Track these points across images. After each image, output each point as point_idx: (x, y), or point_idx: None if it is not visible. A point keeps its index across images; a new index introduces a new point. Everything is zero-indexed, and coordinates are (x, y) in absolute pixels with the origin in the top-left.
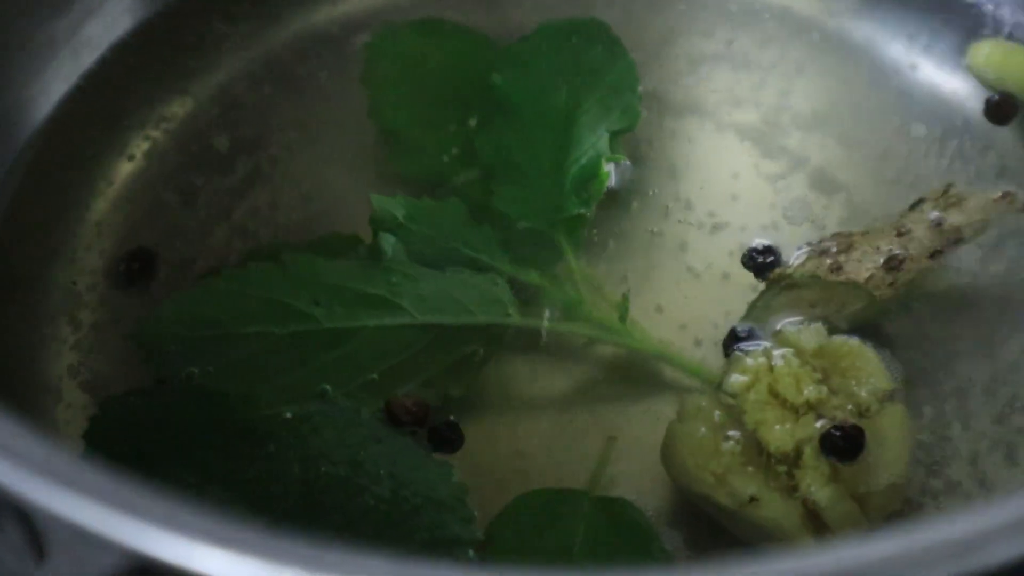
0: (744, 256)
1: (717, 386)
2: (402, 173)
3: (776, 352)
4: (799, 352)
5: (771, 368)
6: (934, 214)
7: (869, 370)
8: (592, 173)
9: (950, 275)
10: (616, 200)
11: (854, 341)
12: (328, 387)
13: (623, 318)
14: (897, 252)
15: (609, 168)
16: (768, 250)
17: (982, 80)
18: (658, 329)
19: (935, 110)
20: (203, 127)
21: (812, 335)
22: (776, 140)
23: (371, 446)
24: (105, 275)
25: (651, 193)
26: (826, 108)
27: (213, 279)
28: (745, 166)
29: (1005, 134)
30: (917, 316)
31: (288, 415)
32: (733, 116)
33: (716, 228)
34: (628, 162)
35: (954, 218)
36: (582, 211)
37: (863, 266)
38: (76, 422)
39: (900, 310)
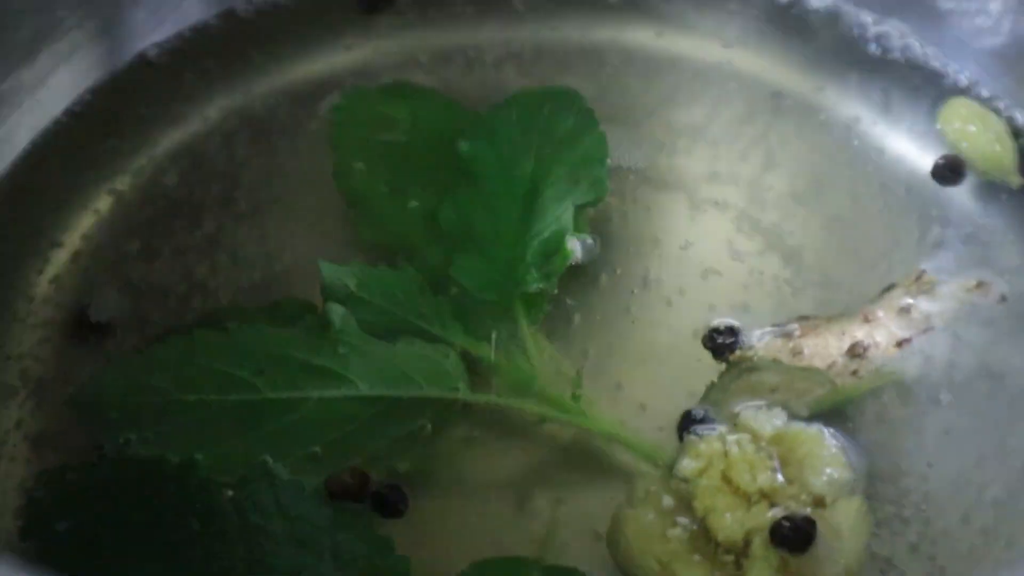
0: (705, 336)
1: (669, 470)
2: (364, 239)
3: (731, 437)
4: (756, 438)
5: (726, 453)
6: (905, 300)
7: (827, 460)
8: (555, 247)
9: (920, 363)
10: (583, 274)
11: (813, 429)
12: (269, 459)
13: (576, 397)
14: (861, 339)
15: (573, 244)
16: (730, 330)
17: (950, 141)
18: (616, 408)
19: (918, 189)
20: (170, 182)
21: (770, 420)
22: (753, 217)
23: (313, 521)
24: (60, 330)
25: (618, 270)
26: (806, 186)
27: (157, 346)
28: (719, 243)
29: (994, 220)
30: (884, 404)
31: (229, 493)
32: (711, 191)
33: (684, 306)
34: (591, 240)
35: (925, 305)
36: (542, 286)
37: (826, 352)
38: (17, 475)
39: (865, 397)
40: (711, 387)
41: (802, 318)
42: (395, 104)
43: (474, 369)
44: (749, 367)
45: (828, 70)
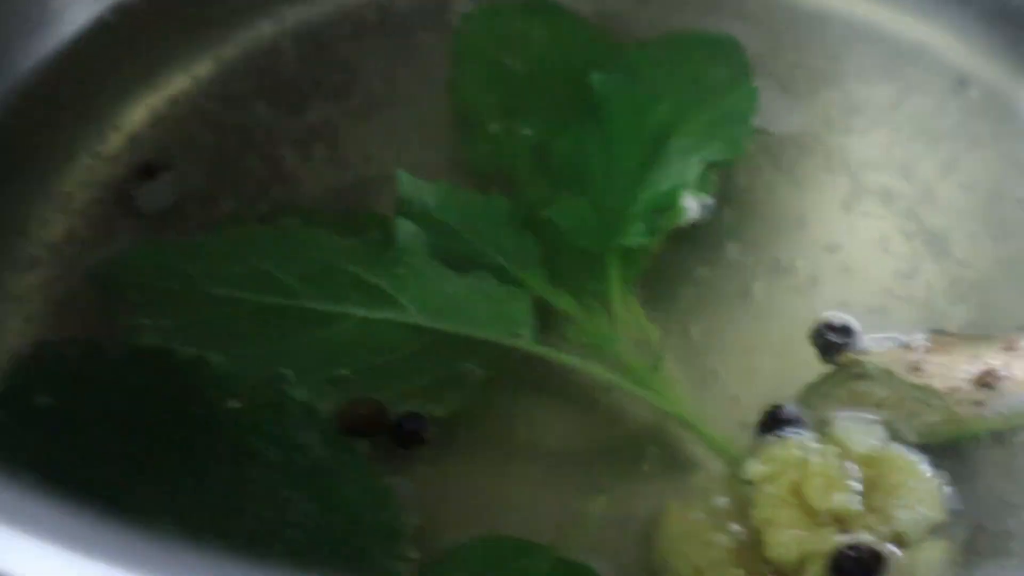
0: (814, 329)
1: (736, 469)
2: (469, 160)
3: (815, 446)
4: (844, 453)
5: (804, 462)
6: None
7: (921, 495)
8: (669, 203)
9: None
10: (708, 242)
11: (912, 456)
12: (289, 373)
13: (655, 368)
14: (996, 368)
15: (689, 202)
16: (845, 329)
17: None
18: (706, 396)
19: None
20: (287, 59)
21: (865, 437)
22: (918, 218)
23: (312, 455)
24: (116, 189)
25: (750, 245)
26: (988, 196)
27: (202, 235)
28: (872, 238)
29: None
30: (1014, 452)
31: (235, 404)
32: (878, 180)
33: (814, 299)
34: (711, 201)
35: None
36: (644, 241)
37: (951, 374)
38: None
39: (992, 440)
40: (811, 387)
41: (936, 332)
42: (533, 23)
43: (549, 321)
44: (858, 373)
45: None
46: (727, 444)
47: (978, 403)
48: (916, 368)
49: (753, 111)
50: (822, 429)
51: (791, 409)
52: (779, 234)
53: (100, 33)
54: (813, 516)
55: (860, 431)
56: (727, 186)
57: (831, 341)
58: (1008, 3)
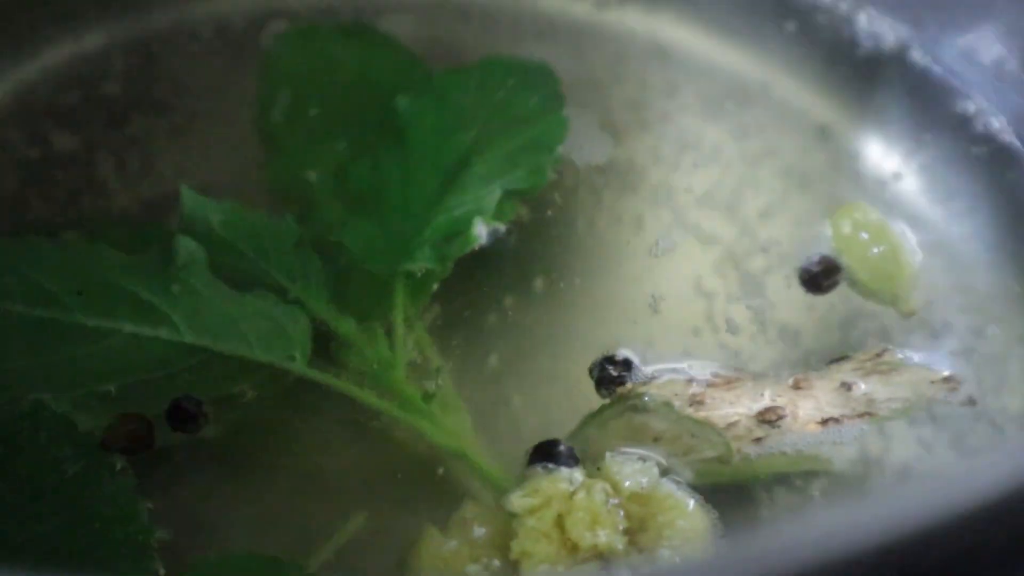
0: (595, 363)
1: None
2: (268, 179)
3: (583, 480)
4: (615, 489)
5: (569, 497)
6: (849, 376)
7: (689, 535)
8: (461, 229)
9: (852, 453)
10: (516, 274)
11: (681, 495)
12: (51, 385)
13: (427, 397)
14: (780, 405)
15: (480, 229)
16: (625, 363)
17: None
18: (495, 425)
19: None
20: (114, 72)
21: (636, 474)
22: (735, 259)
23: (65, 467)
24: None
25: (560, 280)
26: (807, 239)
27: None
28: (685, 275)
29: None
30: (798, 492)
31: None
32: (699, 218)
33: (623, 338)
34: (504, 229)
35: (872, 387)
36: (431, 267)
37: (732, 409)
38: None
39: (773, 480)
40: (587, 419)
41: (724, 368)
42: (345, 45)
43: (328, 345)
44: (635, 406)
45: (877, 111)
46: (498, 475)
47: (757, 439)
48: (697, 402)
49: (561, 140)
50: (595, 464)
51: (564, 445)
52: (591, 268)
53: None
54: (575, 552)
55: (632, 468)
56: (542, 217)
57: (609, 374)
58: (848, 48)
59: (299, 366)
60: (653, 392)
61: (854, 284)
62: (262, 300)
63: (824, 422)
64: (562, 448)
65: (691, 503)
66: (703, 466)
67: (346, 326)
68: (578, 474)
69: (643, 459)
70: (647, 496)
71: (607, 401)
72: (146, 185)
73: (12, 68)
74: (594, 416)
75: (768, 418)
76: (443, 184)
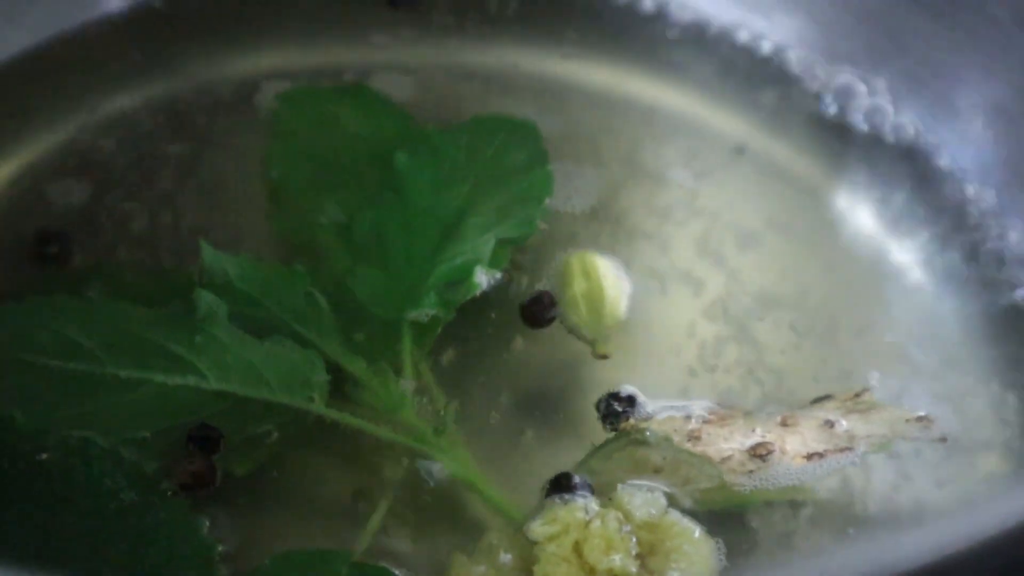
0: (601, 399)
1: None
2: (276, 230)
3: (598, 510)
4: (626, 517)
5: (585, 525)
6: (833, 415)
7: (695, 559)
8: (463, 276)
9: (834, 483)
10: (514, 317)
11: (687, 523)
12: (95, 436)
13: (438, 432)
14: (769, 441)
15: (480, 277)
16: (630, 399)
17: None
18: (502, 460)
19: (911, 307)
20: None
21: (645, 504)
22: (725, 305)
23: (121, 496)
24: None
25: (557, 321)
26: (797, 289)
27: (14, 304)
28: (681, 319)
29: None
30: (787, 519)
31: (43, 456)
32: (693, 267)
33: (621, 379)
34: (499, 275)
35: (852, 425)
36: (436, 312)
37: (726, 444)
38: None
39: (764, 507)
40: (592, 452)
41: (718, 406)
42: (344, 105)
43: (343, 386)
44: (637, 440)
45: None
46: (509, 505)
47: (750, 472)
48: (695, 437)
49: (548, 193)
50: (606, 495)
51: (578, 477)
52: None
53: None
54: (592, 575)
55: (641, 498)
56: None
57: (615, 410)
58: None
59: (318, 406)
60: (654, 428)
61: (564, 319)
62: (279, 346)
63: (809, 456)
64: (577, 480)
65: (696, 530)
66: (701, 494)
67: (358, 367)
68: (593, 504)
69: (651, 490)
70: (656, 524)
71: (611, 435)
72: (166, 237)
73: (61, 124)
74: (599, 448)
75: (759, 452)
76: (442, 235)
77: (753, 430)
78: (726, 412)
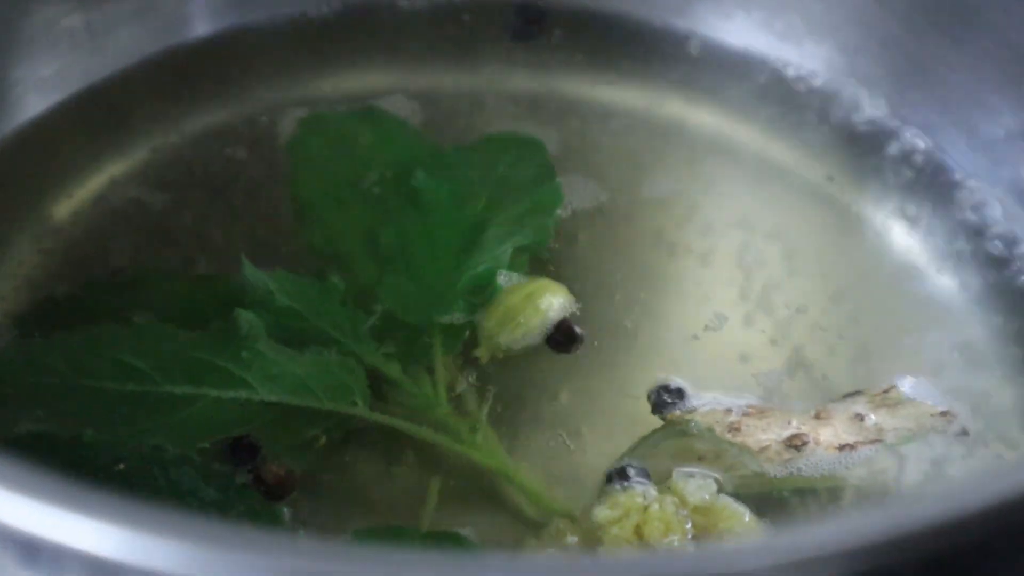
0: (652, 390)
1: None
2: (308, 244)
3: (656, 495)
4: (681, 502)
5: (645, 509)
6: (863, 409)
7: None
8: (486, 281)
9: (866, 472)
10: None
11: (738, 507)
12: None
13: (474, 429)
14: (804, 432)
15: (503, 279)
16: (679, 391)
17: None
18: (539, 455)
19: (937, 311)
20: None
21: (699, 490)
22: (769, 306)
23: (202, 494)
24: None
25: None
26: (830, 293)
27: (66, 335)
28: (724, 324)
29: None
30: (822, 503)
31: (120, 467)
32: (730, 272)
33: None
34: (519, 277)
35: (881, 418)
36: (464, 316)
37: (764, 435)
38: None
39: (799, 493)
40: (641, 440)
41: (756, 400)
42: (362, 127)
43: (382, 389)
44: (682, 430)
45: (845, 160)
46: (548, 499)
47: (786, 461)
48: (735, 428)
49: (558, 204)
50: (662, 482)
51: (634, 468)
52: (622, 308)
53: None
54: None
55: (695, 484)
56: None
57: (665, 400)
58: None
59: (362, 410)
60: (698, 419)
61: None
62: (319, 355)
63: (841, 447)
64: (635, 469)
65: (747, 513)
66: (740, 480)
67: (394, 371)
68: (651, 490)
69: (704, 477)
70: (709, 508)
71: (657, 423)
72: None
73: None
74: (647, 438)
75: (794, 443)
76: (463, 245)
77: (789, 422)
78: (764, 406)
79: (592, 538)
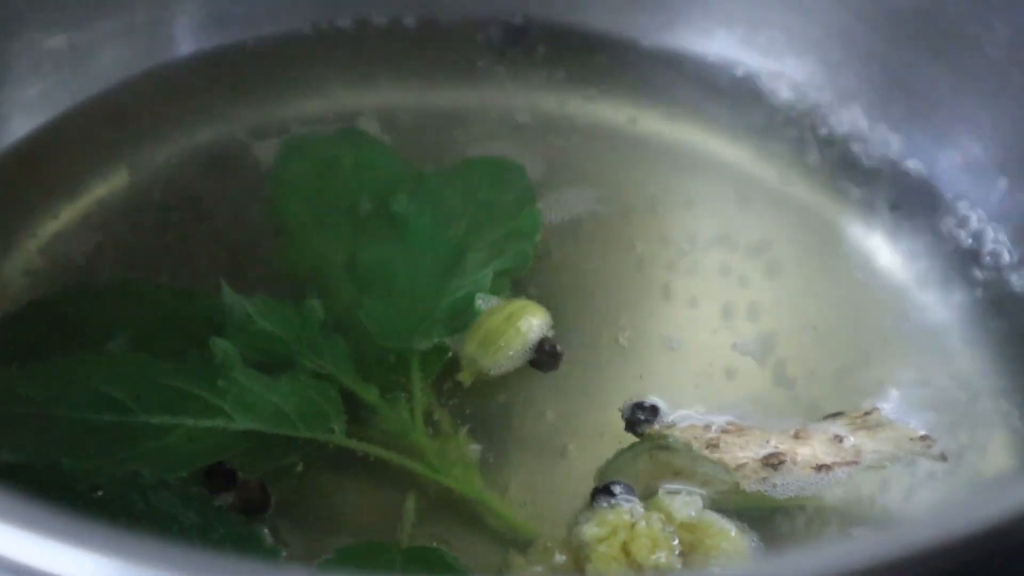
0: (626, 407)
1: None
2: (288, 266)
3: (642, 512)
4: (668, 519)
5: (632, 526)
6: (841, 430)
7: (731, 555)
8: (466, 306)
9: (843, 493)
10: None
11: (725, 523)
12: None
13: (450, 455)
14: (782, 451)
15: (481, 304)
16: (653, 409)
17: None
18: (516, 477)
19: (924, 333)
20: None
21: (684, 506)
22: (755, 320)
23: (182, 518)
24: None
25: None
26: (817, 305)
27: (37, 363)
28: (709, 341)
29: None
30: (794, 522)
31: (99, 493)
32: (723, 293)
33: (639, 385)
34: (496, 301)
35: (860, 440)
36: (445, 340)
37: (742, 452)
38: None
39: (773, 511)
40: (617, 455)
41: (735, 418)
42: (342, 150)
43: (360, 413)
44: (660, 445)
45: (827, 175)
46: (520, 522)
47: (763, 479)
48: (713, 445)
49: (537, 230)
50: (648, 499)
51: (619, 486)
52: (603, 327)
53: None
54: (640, 572)
55: (681, 501)
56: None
57: (639, 418)
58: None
59: (338, 437)
60: (676, 435)
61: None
62: (295, 381)
63: (818, 468)
64: (620, 486)
65: (733, 529)
66: (718, 496)
67: (371, 395)
68: (638, 507)
69: (689, 493)
70: (695, 524)
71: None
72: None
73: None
74: (624, 452)
75: (772, 462)
76: (444, 270)
77: (768, 441)
78: (744, 424)
79: (579, 556)
